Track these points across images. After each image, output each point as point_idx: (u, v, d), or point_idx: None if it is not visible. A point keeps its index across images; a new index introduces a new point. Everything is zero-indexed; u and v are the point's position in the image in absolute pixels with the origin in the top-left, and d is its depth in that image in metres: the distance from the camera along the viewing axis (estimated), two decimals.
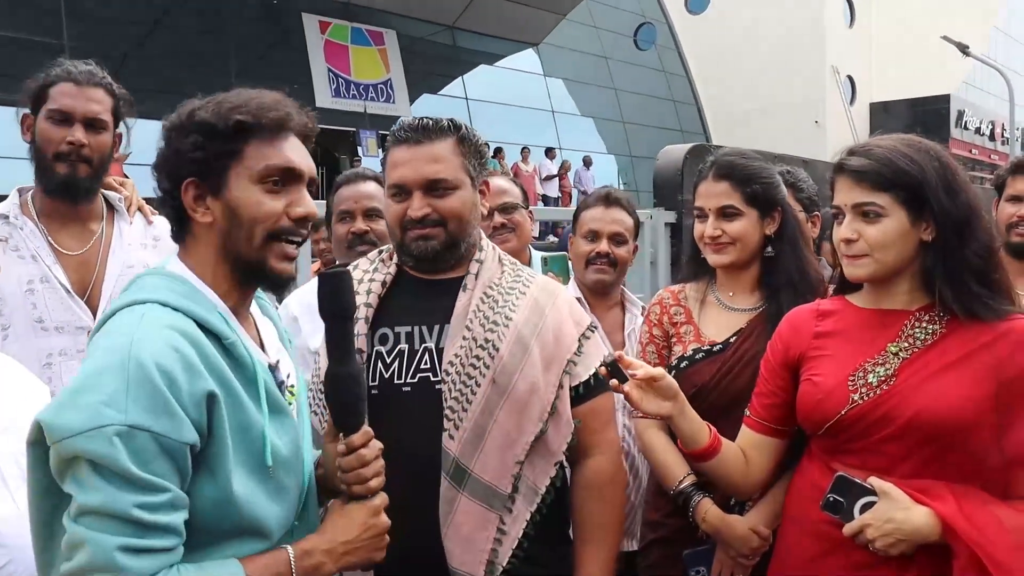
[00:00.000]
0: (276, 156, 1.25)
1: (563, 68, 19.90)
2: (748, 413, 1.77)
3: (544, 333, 1.67)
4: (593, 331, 1.77)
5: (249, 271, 1.27)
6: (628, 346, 2.38)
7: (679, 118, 21.57)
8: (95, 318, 2.00)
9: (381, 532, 1.32)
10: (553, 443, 1.65)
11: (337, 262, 2.45)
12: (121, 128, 2.13)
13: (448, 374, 1.62)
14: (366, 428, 1.32)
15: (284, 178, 1.26)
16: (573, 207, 3.29)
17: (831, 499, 1.54)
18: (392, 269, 1.75)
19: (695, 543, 1.92)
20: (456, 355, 1.62)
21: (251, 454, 1.20)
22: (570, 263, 2.60)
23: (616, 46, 20.95)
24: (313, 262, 3.36)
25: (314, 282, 2.44)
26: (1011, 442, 1.49)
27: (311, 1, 15.35)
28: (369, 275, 1.76)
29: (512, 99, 18.03)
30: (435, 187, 1.66)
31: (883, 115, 25.96)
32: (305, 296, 2.02)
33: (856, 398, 1.55)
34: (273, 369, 1.33)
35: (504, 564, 1.60)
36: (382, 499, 1.34)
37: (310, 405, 1.63)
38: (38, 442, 1.13)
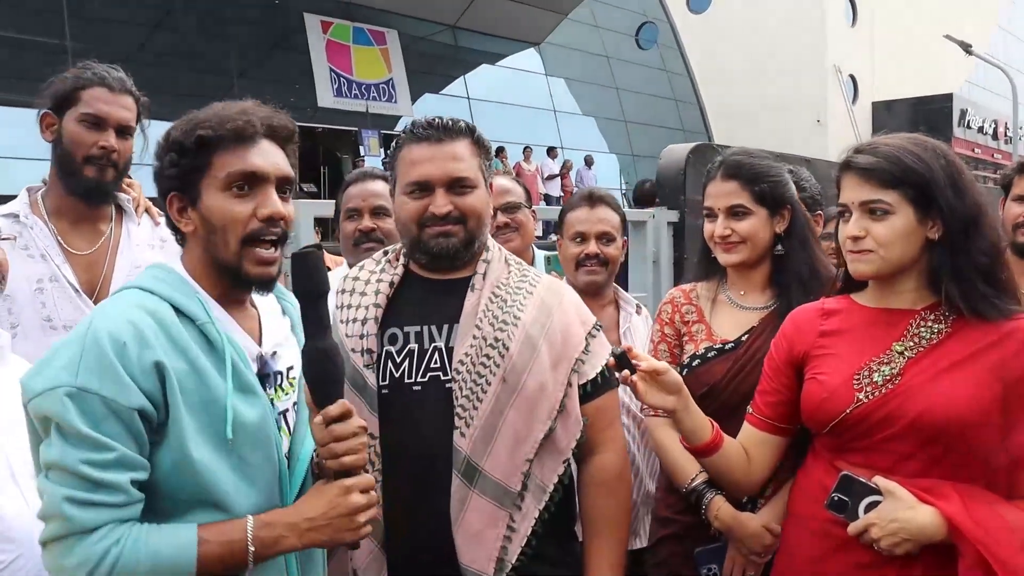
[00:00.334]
0: (238, 163, 1.34)
1: (565, 67, 19.89)
2: (751, 410, 1.77)
3: (552, 332, 1.68)
4: (599, 330, 1.78)
5: (230, 275, 1.37)
6: (624, 344, 2.39)
7: (681, 117, 21.55)
8: None
9: (350, 511, 1.30)
10: (561, 441, 1.66)
11: (346, 261, 2.46)
12: (138, 132, 2.16)
13: (459, 373, 1.63)
14: (342, 402, 1.33)
15: (248, 182, 1.35)
16: None
17: (836, 498, 1.54)
18: (399, 270, 1.76)
19: (706, 540, 1.93)
20: (466, 354, 1.63)
21: (213, 426, 1.28)
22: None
23: (618, 45, 20.94)
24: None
25: (331, 275, 2.46)
26: (1016, 442, 1.50)
27: (313, 1, 15.35)
28: (376, 276, 1.77)
29: (514, 98, 18.03)
30: (457, 185, 1.67)
31: (885, 114, 25.91)
32: None
33: (861, 397, 1.56)
34: (266, 358, 1.43)
35: (513, 561, 1.61)
36: (360, 480, 1.32)
37: None
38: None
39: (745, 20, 25.17)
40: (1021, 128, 23.37)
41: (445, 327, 1.68)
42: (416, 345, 1.68)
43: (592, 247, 2.37)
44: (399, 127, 15.58)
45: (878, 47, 26.87)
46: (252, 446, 1.33)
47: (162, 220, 2.28)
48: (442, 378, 1.65)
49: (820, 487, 1.60)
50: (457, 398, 1.62)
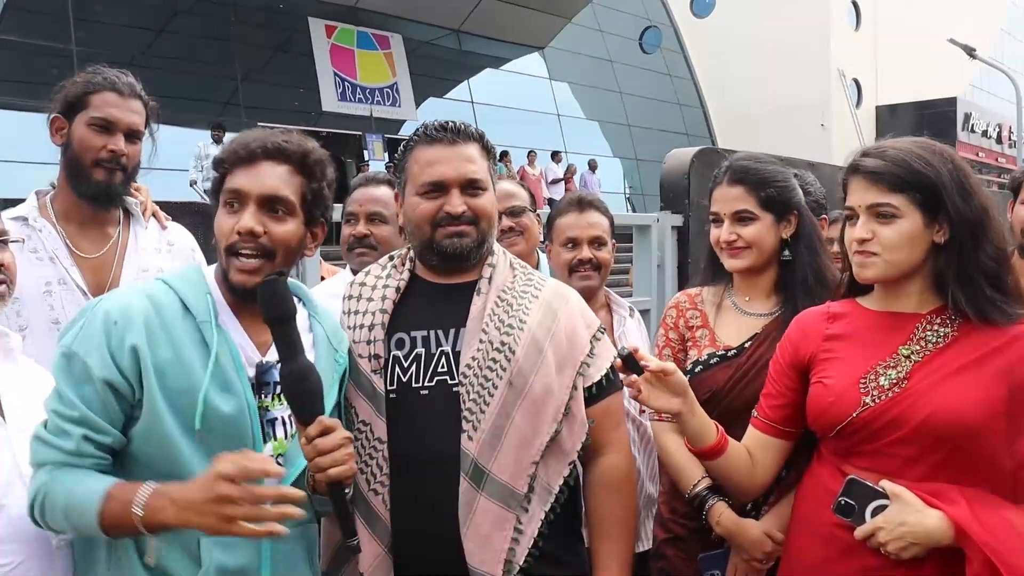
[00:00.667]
0: (231, 181, 1.51)
1: (568, 72, 19.93)
2: (755, 414, 1.77)
3: (557, 336, 1.69)
4: (603, 332, 1.79)
5: (227, 282, 1.52)
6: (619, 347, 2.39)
7: (685, 121, 21.57)
8: None
9: (219, 500, 1.27)
10: (567, 443, 1.67)
11: (348, 266, 2.46)
12: (147, 136, 2.17)
13: (466, 376, 1.64)
14: (320, 419, 1.40)
15: (235, 199, 1.50)
16: None
17: (843, 502, 1.54)
18: (405, 274, 1.77)
19: (709, 545, 1.92)
20: (473, 358, 1.64)
21: (187, 414, 1.41)
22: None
23: (621, 50, 20.97)
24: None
25: (321, 285, 2.47)
26: (1022, 446, 1.50)
27: (317, 5, 15.41)
28: (383, 281, 1.77)
29: (517, 103, 18.07)
30: (471, 186, 1.69)
31: (889, 118, 25.91)
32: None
33: (868, 401, 1.56)
34: (266, 366, 1.53)
35: (521, 563, 1.62)
36: (229, 464, 1.28)
37: None
38: None
39: (748, 24, 25.16)
40: None
41: (452, 331, 1.69)
42: (423, 349, 1.69)
43: (585, 252, 2.37)
44: (403, 131, 15.63)
45: (882, 51, 26.84)
46: (225, 439, 1.42)
47: (169, 224, 2.30)
48: (449, 382, 1.66)
49: (826, 491, 1.60)
50: (464, 402, 1.63)
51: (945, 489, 1.49)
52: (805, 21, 24.92)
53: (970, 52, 19.24)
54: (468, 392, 1.63)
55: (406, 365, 1.68)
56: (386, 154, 15.19)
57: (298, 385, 1.40)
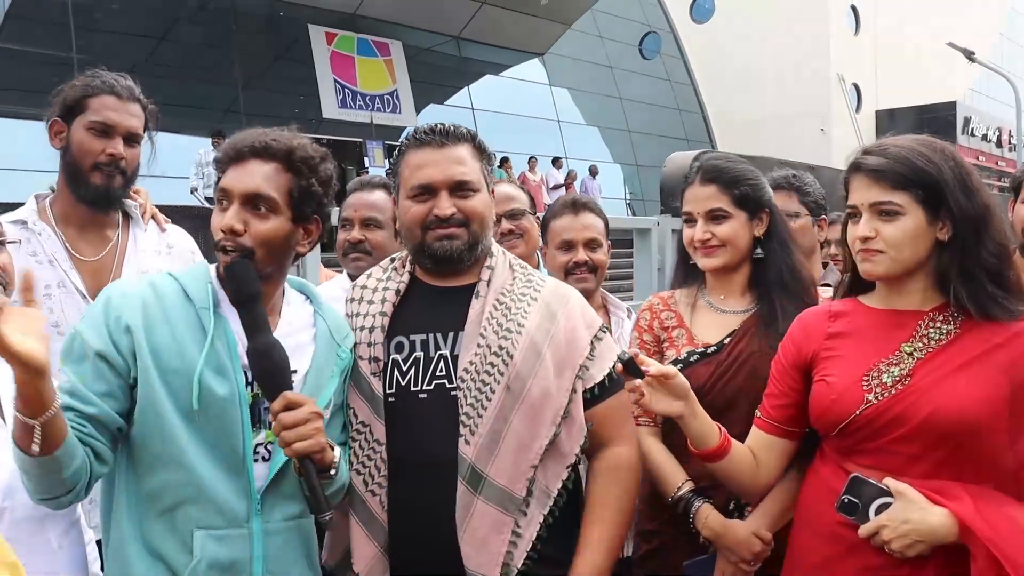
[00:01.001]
0: (222, 181, 1.56)
1: (569, 78, 19.97)
2: (759, 414, 1.77)
3: (556, 338, 1.68)
4: (605, 332, 1.78)
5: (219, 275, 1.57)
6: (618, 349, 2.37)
7: (685, 127, 21.61)
8: None
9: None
10: (565, 447, 1.66)
11: (346, 271, 2.46)
12: (145, 140, 2.18)
13: (464, 381, 1.63)
14: (284, 394, 1.45)
15: (224, 198, 1.55)
16: None
17: (846, 500, 1.54)
18: (405, 277, 1.76)
19: (692, 552, 1.89)
20: (471, 362, 1.64)
21: (182, 393, 1.47)
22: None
23: (621, 56, 21.03)
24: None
25: (325, 285, 2.46)
26: None
27: (317, 12, 15.44)
28: (383, 284, 1.77)
29: (518, 109, 18.11)
30: (460, 188, 1.69)
31: (889, 122, 25.92)
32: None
33: (871, 398, 1.55)
34: None
35: (519, 566, 1.61)
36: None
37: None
38: None
39: (748, 29, 25.23)
40: None
41: (450, 335, 1.69)
42: (422, 353, 1.69)
43: (580, 255, 2.36)
44: (403, 138, 15.63)
45: (881, 55, 26.92)
46: (218, 419, 1.48)
47: (168, 227, 2.31)
48: (447, 386, 1.65)
49: (829, 490, 1.59)
50: (462, 406, 1.62)
51: (949, 486, 1.49)
52: (804, 26, 25.00)
53: (969, 56, 19.28)
54: (466, 396, 1.62)
55: (405, 368, 1.68)
56: (387, 161, 15.19)
57: (261, 360, 1.47)
